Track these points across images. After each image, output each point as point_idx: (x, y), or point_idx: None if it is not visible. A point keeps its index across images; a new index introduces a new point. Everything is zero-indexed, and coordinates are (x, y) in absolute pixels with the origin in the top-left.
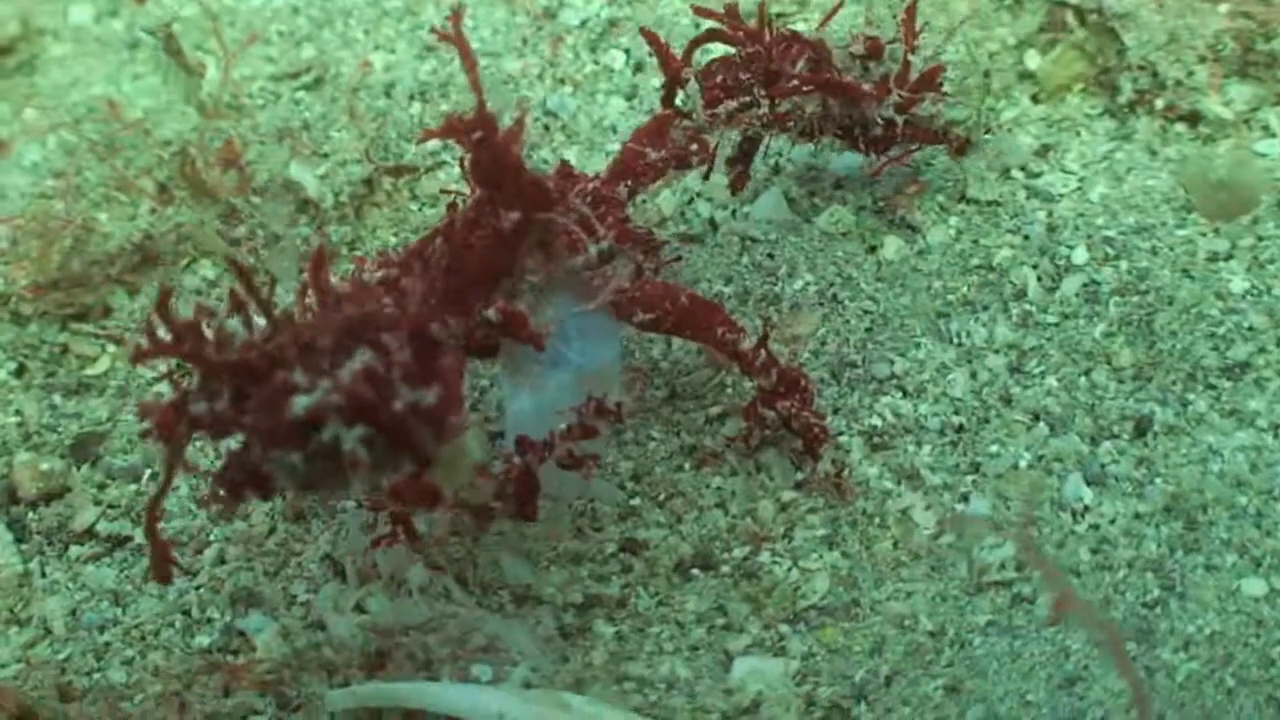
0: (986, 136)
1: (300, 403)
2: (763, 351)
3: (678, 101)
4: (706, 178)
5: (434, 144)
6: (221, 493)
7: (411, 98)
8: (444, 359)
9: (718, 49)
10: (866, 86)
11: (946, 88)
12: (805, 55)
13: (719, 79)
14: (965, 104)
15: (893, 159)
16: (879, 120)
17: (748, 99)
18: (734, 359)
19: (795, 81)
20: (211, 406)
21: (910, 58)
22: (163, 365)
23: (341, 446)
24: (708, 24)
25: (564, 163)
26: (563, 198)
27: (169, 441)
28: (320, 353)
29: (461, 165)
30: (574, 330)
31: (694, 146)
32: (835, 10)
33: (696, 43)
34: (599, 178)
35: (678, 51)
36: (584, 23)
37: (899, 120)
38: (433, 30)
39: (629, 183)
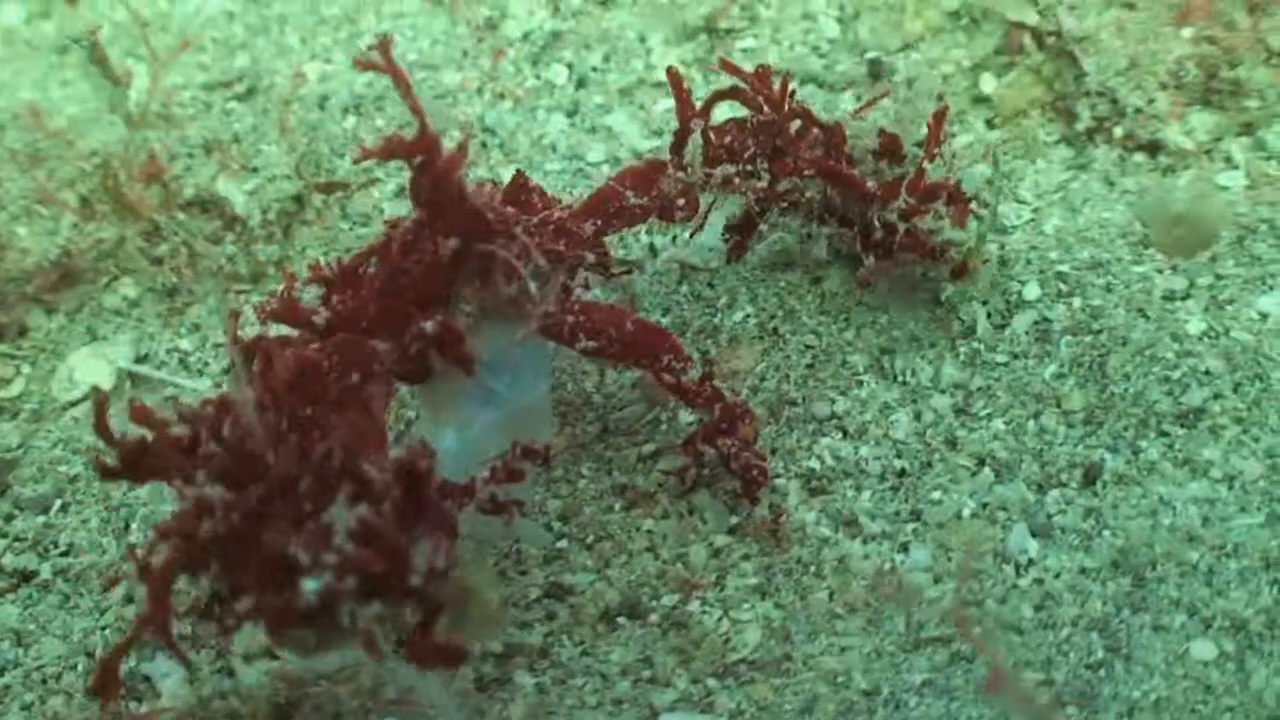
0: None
1: (310, 588)
2: (707, 384)
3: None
4: (692, 235)
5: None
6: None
7: (346, 111)
8: (426, 488)
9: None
10: (871, 185)
11: (974, 205)
12: (817, 137)
13: (726, 139)
14: (967, 232)
15: (883, 267)
16: (879, 223)
17: (749, 168)
18: (676, 391)
19: (799, 162)
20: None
21: (926, 165)
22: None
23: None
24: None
25: (521, 175)
26: (505, 226)
27: (154, 598)
28: (304, 497)
29: (408, 185)
30: (504, 363)
31: (681, 201)
32: (872, 102)
33: (719, 96)
34: (569, 209)
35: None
36: (526, 35)
37: (900, 228)
38: (357, 62)
39: (598, 221)
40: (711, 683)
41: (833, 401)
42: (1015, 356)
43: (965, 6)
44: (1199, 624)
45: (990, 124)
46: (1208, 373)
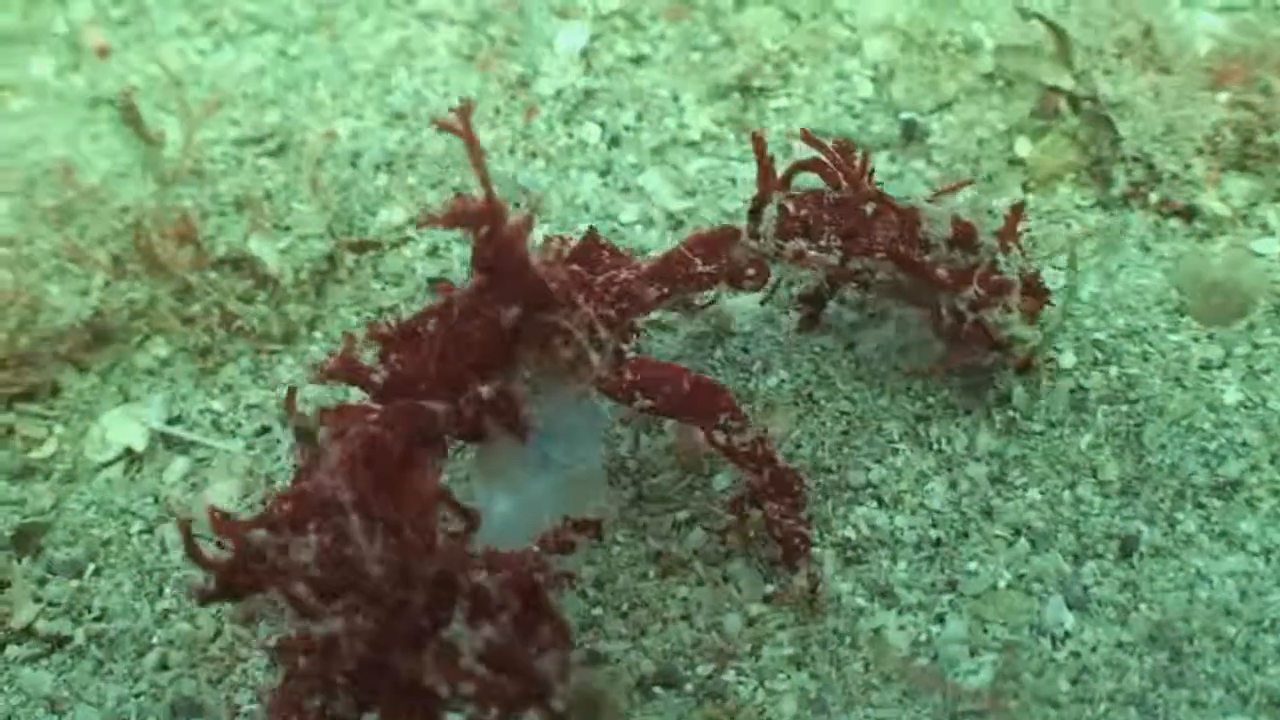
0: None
1: None
2: (759, 446)
3: None
4: (763, 303)
5: (399, 219)
6: None
7: (378, 168)
8: (545, 600)
9: None
10: (941, 273)
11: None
12: (892, 221)
13: (802, 213)
14: (1036, 329)
15: (952, 362)
16: (947, 311)
17: (822, 244)
18: (727, 451)
19: (873, 244)
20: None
21: (1000, 257)
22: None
23: None
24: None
25: (594, 232)
26: (567, 297)
27: None
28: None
29: (471, 252)
30: (560, 429)
31: (751, 271)
32: (955, 188)
33: (799, 167)
34: (637, 268)
35: None
36: (559, 93)
37: (969, 318)
38: (434, 121)
39: (664, 287)
40: None
41: (868, 470)
42: (1052, 425)
43: (1000, 69)
44: (1236, 700)
45: (1025, 187)
46: (1245, 444)
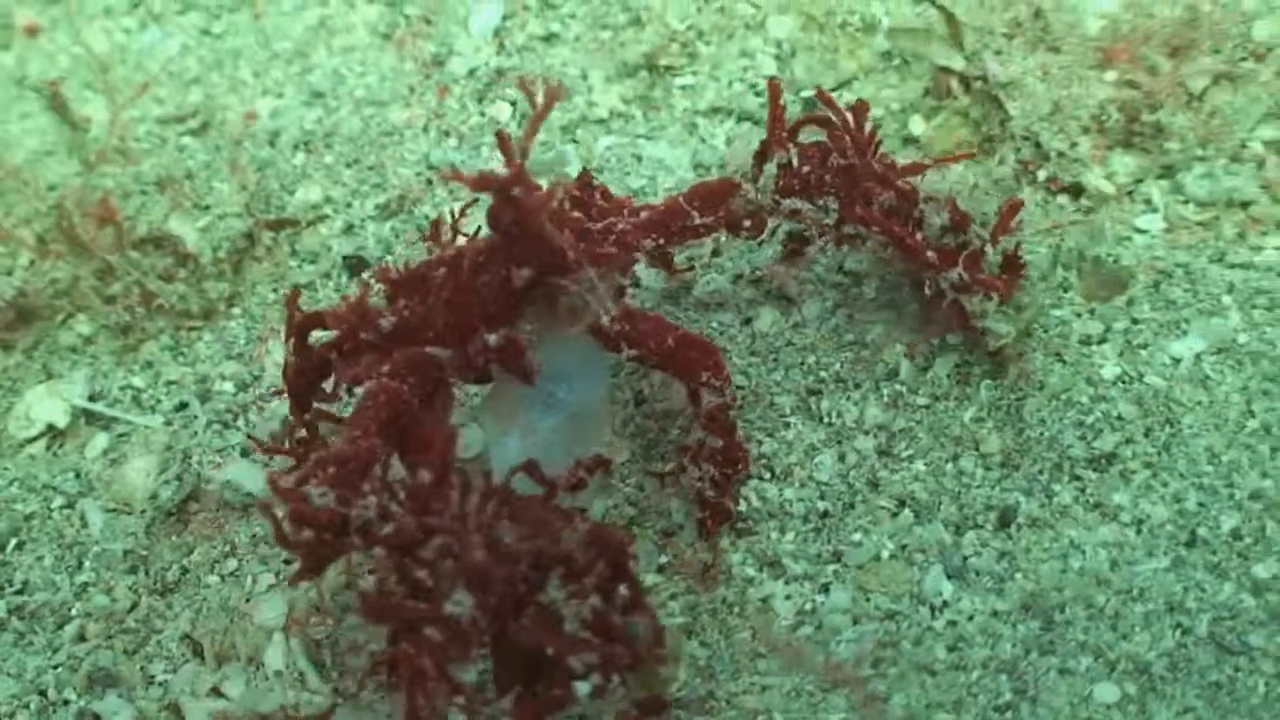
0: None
1: (584, 691)
2: (725, 415)
3: None
4: (760, 244)
5: (315, 197)
6: None
7: (296, 147)
8: (628, 565)
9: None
10: (930, 254)
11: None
12: (890, 194)
13: (804, 169)
14: (1011, 320)
15: (929, 334)
16: (929, 288)
17: (820, 203)
18: (696, 404)
19: (869, 216)
20: None
21: (989, 249)
22: None
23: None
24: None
25: (587, 174)
26: (580, 263)
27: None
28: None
29: (488, 212)
30: (562, 369)
31: (748, 222)
32: (956, 159)
33: (808, 120)
34: (635, 216)
35: None
36: (472, 72)
37: (949, 298)
38: (440, 172)
39: (660, 238)
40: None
41: (760, 443)
42: (937, 399)
43: (895, 50)
44: (1104, 667)
45: None
46: (1120, 418)
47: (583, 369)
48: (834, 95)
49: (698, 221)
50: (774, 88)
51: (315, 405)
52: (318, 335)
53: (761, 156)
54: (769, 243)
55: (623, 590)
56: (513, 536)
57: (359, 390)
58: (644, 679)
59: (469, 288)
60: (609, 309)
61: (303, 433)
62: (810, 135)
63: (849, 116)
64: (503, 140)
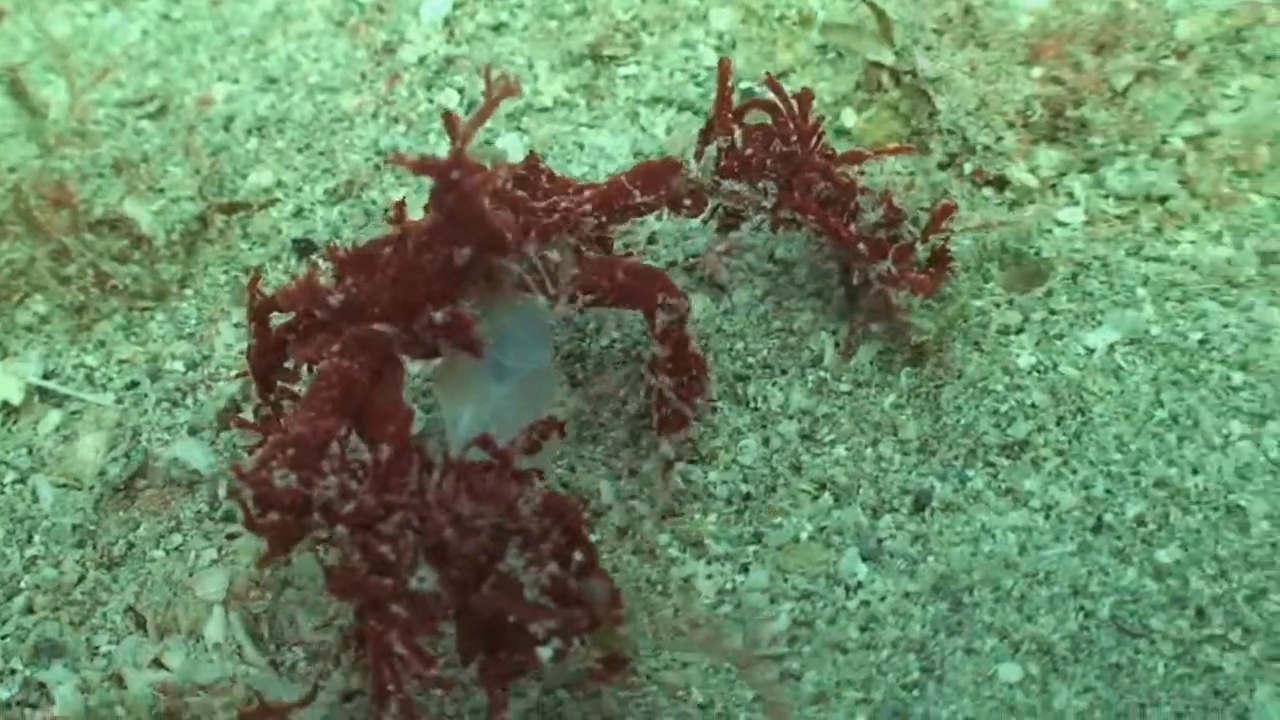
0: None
1: (546, 655)
2: (681, 328)
3: None
4: (705, 221)
5: (267, 181)
6: None
7: (249, 132)
8: (580, 524)
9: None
10: (862, 246)
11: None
12: (830, 184)
13: (747, 153)
14: (933, 316)
15: (853, 325)
16: (857, 278)
17: (760, 186)
18: (652, 323)
19: (805, 204)
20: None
21: (919, 246)
22: None
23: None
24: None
25: (534, 157)
26: (519, 244)
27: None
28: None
29: (431, 194)
30: (507, 337)
31: (689, 201)
32: (894, 151)
33: (754, 104)
34: (579, 194)
35: None
36: (422, 60)
37: (876, 288)
38: (389, 159)
39: (603, 216)
40: (561, 693)
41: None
42: (859, 385)
43: (831, 43)
44: (1008, 647)
45: None
46: (1034, 406)
47: (526, 334)
48: (767, 87)
49: (640, 200)
50: (724, 67)
51: (279, 384)
52: (277, 317)
53: (706, 136)
54: (703, 231)
55: (578, 555)
56: (471, 509)
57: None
58: (603, 639)
59: (413, 266)
60: (556, 286)
61: (268, 411)
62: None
63: (794, 104)
64: (450, 121)
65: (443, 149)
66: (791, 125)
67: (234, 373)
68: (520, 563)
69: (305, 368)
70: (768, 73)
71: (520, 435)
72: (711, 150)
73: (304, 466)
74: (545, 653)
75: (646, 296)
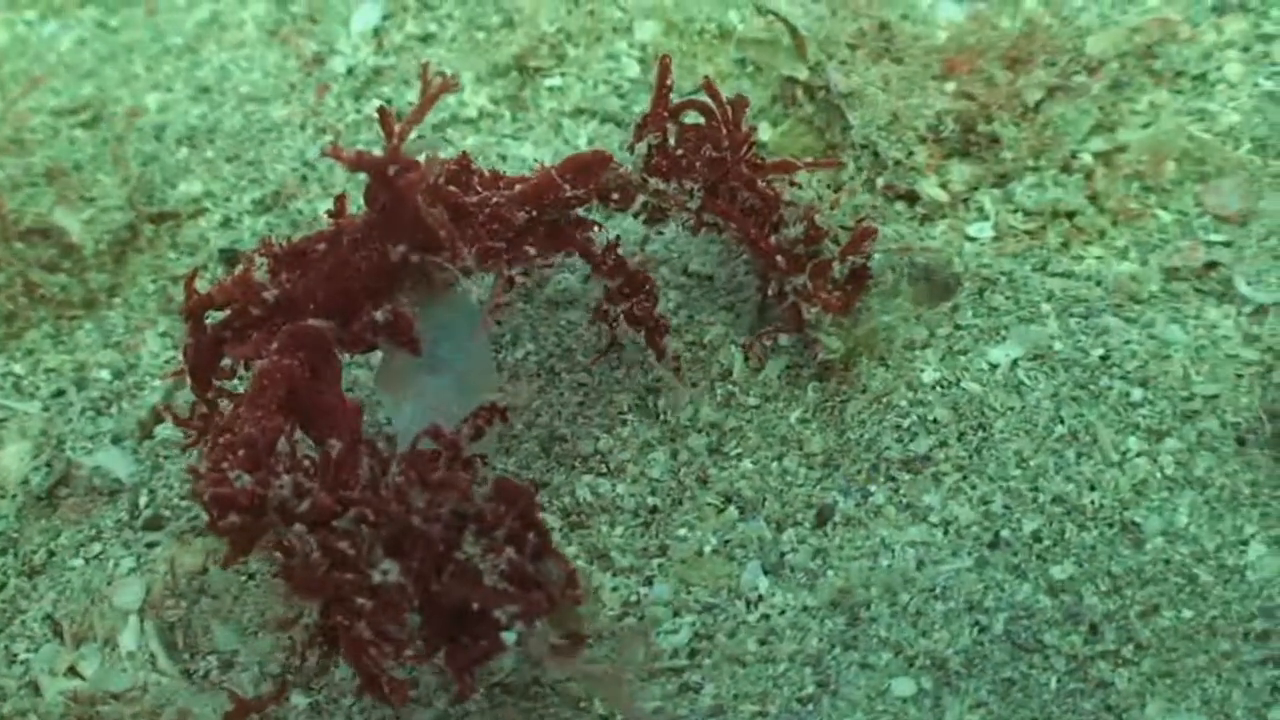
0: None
1: (510, 639)
2: (613, 253)
3: None
4: (637, 217)
5: (196, 191)
6: None
7: (180, 142)
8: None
9: None
10: (780, 259)
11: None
12: (754, 195)
13: (677, 153)
14: (843, 336)
15: (763, 334)
16: (774, 289)
17: (687, 186)
18: (586, 255)
19: (728, 211)
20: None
21: (837, 264)
22: None
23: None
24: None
25: (466, 158)
26: (452, 243)
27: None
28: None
29: (365, 191)
30: (442, 330)
31: (617, 195)
32: (824, 165)
33: (690, 105)
34: (510, 189)
35: None
36: (350, 70)
37: (789, 300)
38: (325, 152)
39: (533, 210)
40: (469, 705)
41: (597, 439)
42: (766, 399)
43: (748, 57)
44: (903, 662)
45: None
46: (935, 421)
47: (460, 324)
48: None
49: (569, 194)
50: (664, 65)
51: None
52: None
53: (640, 131)
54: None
55: (532, 538)
56: (425, 500)
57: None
58: (562, 619)
59: (348, 262)
60: (483, 291)
61: (204, 409)
62: None
63: (729, 110)
64: (385, 118)
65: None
66: (724, 131)
67: (161, 376)
68: (477, 550)
69: (242, 365)
70: (706, 77)
71: (465, 423)
72: (643, 147)
73: (258, 467)
74: (509, 636)
75: (569, 237)
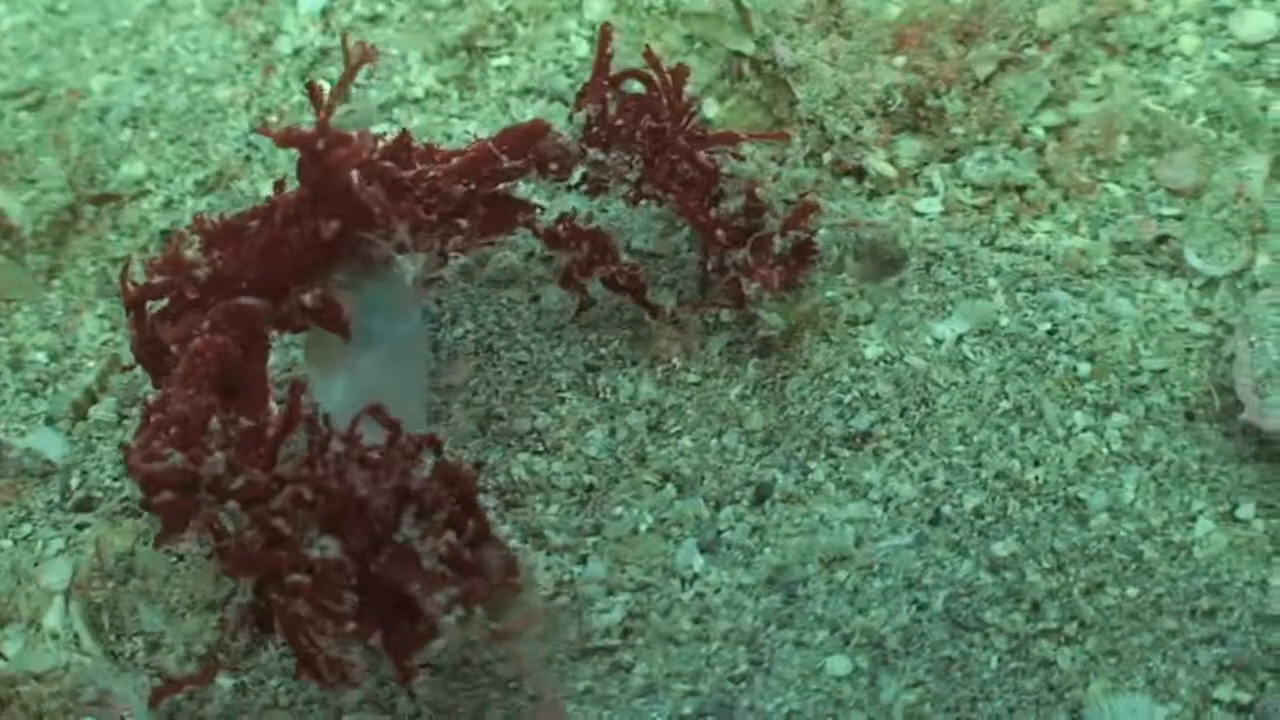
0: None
1: (448, 622)
2: (567, 222)
3: None
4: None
5: (139, 172)
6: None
7: (124, 123)
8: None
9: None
10: (720, 233)
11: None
12: (693, 167)
13: (617, 124)
14: (784, 311)
15: (699, 306)
16: (713, 264)
17: (626, 159)
18: (537, 232)
19: (667, 184)
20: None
21: (778, 239)
22: None
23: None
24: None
25: (406, 135)
26: (386, 218)
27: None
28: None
29: (297, 167)
30: (375, 305)
31: (555, 165)
32: (771, 137)
33: (631, 74)
34: (448, 161)
35: None
36: (297, 51)
37: (729, 275)
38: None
39: (471, 182)
40: (395, 685)
41: (534, 417)
42: (707, 376)
43: (693, 33)
44: (838, 640)
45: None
46: (877, 397)
47: (394, 302)
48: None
49: (507, 165)
50: (604, 34)
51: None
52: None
53: (581, 100)
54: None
55: (471, 524)
56: (363, 479)
57: None
58: (500, 606)
59: (281, 239)
60: (419, 268)
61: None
62: None
63: (669, 79)
64: (314, 92)
65: None
66: (665, 101)
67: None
68: (416, 533)
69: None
70: (647, 45)
71: (396, 401)
72: (581, 117)
73: (190, 444)
74: (447, 620)
75: (509, 221)
